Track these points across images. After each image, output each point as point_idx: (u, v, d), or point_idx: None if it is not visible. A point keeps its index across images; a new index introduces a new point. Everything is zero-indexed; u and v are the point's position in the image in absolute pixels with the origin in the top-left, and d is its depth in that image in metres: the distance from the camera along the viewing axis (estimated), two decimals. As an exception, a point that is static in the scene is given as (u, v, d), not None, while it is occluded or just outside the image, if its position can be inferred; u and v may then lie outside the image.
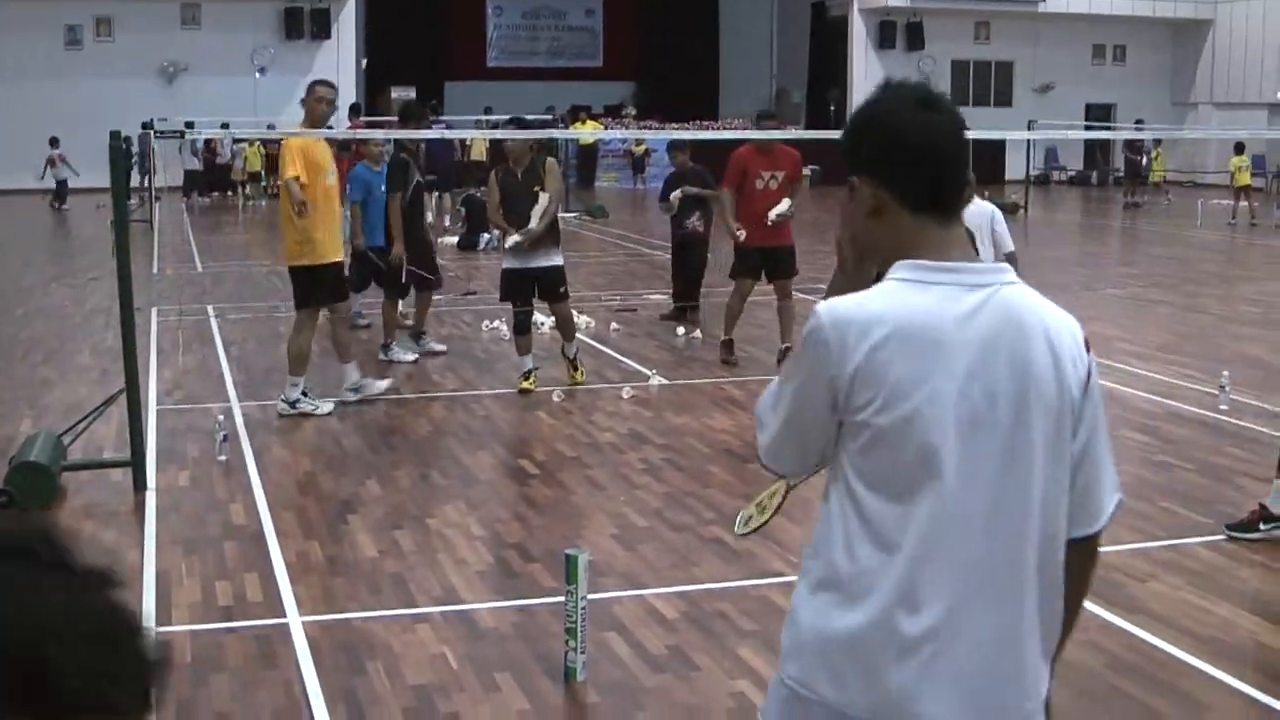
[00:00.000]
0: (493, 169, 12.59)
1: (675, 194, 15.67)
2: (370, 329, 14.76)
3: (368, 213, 13.78)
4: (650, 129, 38.31)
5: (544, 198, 11.85)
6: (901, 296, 2.73)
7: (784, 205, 13.08)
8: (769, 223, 13.03)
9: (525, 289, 12.12)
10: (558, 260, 12.18)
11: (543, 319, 13.94)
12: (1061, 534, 2.80)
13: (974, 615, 2.69)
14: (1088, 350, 2.81)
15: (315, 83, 11.55)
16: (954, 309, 2.70)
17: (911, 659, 2.68)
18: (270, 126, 34.33)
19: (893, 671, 2.69)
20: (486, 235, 23.38)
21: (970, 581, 2.69)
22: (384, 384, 12.02)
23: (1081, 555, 2.88)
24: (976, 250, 10.36)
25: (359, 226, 13.81)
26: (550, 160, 12.31)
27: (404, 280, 13.49)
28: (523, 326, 12.24)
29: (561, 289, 12.23)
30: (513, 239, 11.81)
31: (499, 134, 12.44)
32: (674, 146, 16.49)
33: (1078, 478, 2.81)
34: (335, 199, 11.54)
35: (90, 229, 28.67)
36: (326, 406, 11.41)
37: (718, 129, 37.13)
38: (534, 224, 11.75)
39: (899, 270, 2.77)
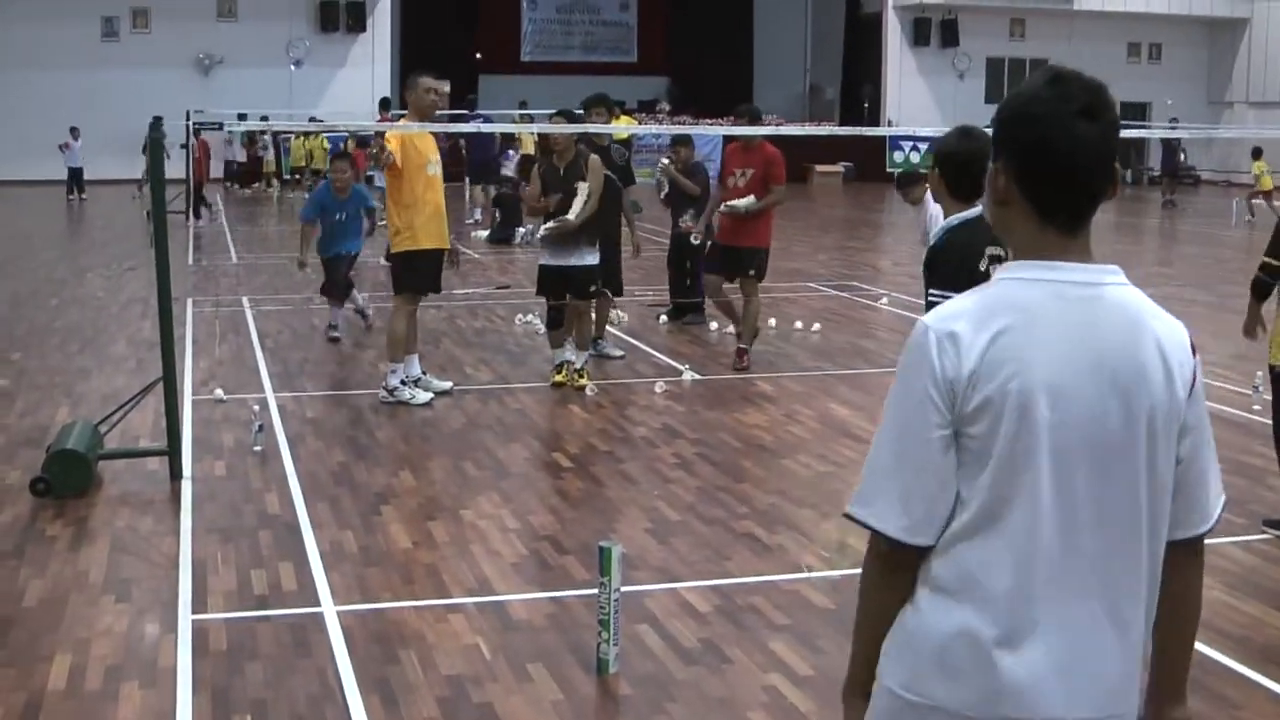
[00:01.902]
0: (534, 163, 12.53)
1: (661, 165, 15.51)
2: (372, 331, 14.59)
3: (326, 229, 13.82)
4: (684, 124, 38.28)
5: (583, 188, 11.82)
6: (1011, 294, 2.72)
7: (739, 201, 13.06)
8: (719, 212, 13.17)
9: (559, 286, 12.15)
10: (591, 260, 12.15)
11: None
12: (1164, 535, 2.79)
13: (1082, 613, 2.68)
14: (1194, 354, 2.80)
15: (422, 74, 11.62)
16: (1064, 307, 2.69)
17: (1020, 655, 2.66)
18: (312, 119, 34.47)
19: (1001, 669, 2.66)
20: (521, 229, 23.45)
21: (1077, 578, 2.67)
22: (448, 384, 12.02)
23: (1190, 556, 2.88)
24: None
25: (306, 244, 14.09)
26: (594, 157, 12.20)
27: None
28: (555, 321, 12.26)
29: (591, 289, 12.22)
30: (545, 227, 11.80)
31: (547, 128, 12.37)
32: (675, 143, 15.99)
33: (1186, 478, 2.81)
34: (438, 189, 11.53)
35: (119, 218, 28.85)
36: (424, 396, 11.50)
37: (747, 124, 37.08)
38: (572, 215, 11.76)
39: (1009, 270, 2.77)
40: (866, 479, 2.79)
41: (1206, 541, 2.92)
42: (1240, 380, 11.92)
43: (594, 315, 12.95)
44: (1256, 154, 31.55)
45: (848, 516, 2.81)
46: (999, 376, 2.64)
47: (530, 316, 14.79)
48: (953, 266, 5.98)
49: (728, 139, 13.65)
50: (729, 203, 13.03)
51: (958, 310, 2.73)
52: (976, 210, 6.14)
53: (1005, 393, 2.64)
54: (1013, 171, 2.75)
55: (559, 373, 12.18)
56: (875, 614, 2.85)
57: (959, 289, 5.90)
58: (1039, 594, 2.66)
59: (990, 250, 6.14)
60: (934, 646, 2.72)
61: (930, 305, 6.05)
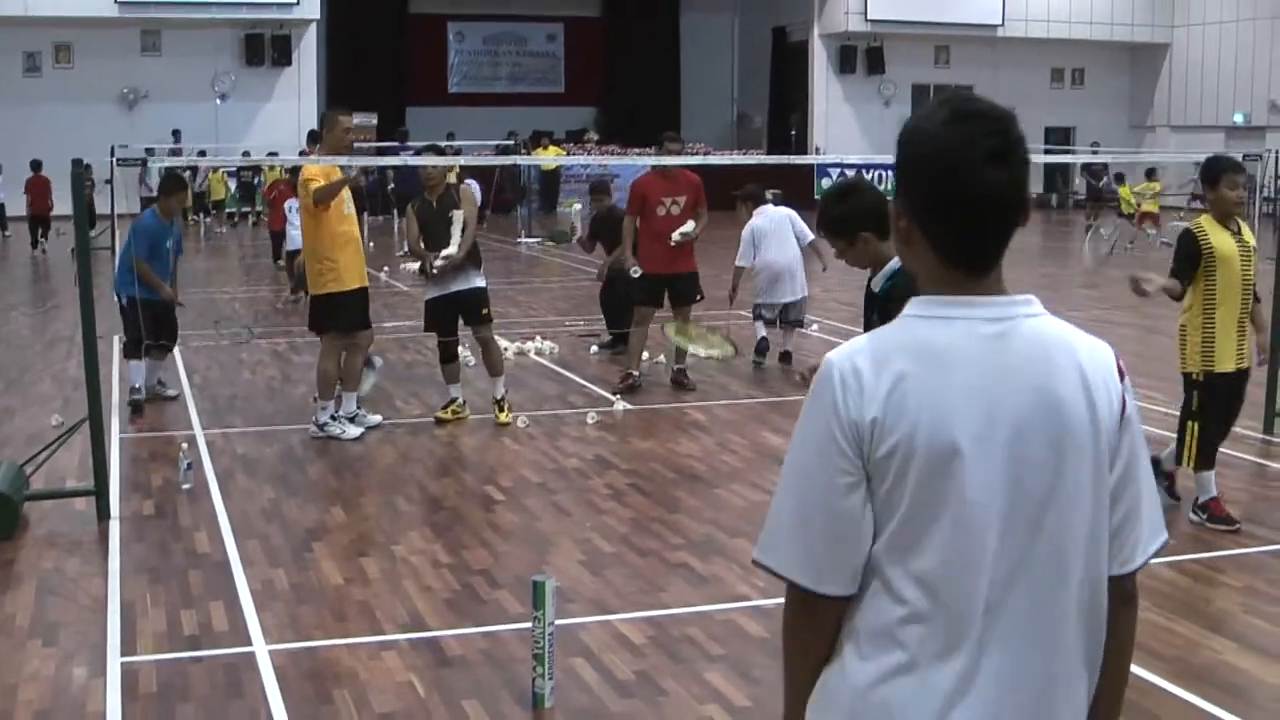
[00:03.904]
0: (409, 201, 12.40)
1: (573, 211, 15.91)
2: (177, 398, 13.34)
3: (159, 260, 12.73)
4: (613, 154, 38.37)
5: (458, 215, 11.70)
6: (916, 333, 2.55)
7: (689, 226, 13.16)
8: (671, 243, 13.09)
9: (448, 316, 12.04)
10: (479, 283, 12.05)
11: (470, 355, 13.74)
12: (1104, 576, 2.61)
13: (1012, 666, 2.51)
14: (1122, 378, 2.62)
15: (338, 113, 11.58)
16: (974, 344, 2.52)
17: (950, 713, 2.50)
18: (246, 154, 34.31)
19: None
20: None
21: (1005, 629, 2.50)
22: (378, 418, 11.95)
23: (1118, 597, 2.67)
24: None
25: (157, 280, 12.52)
26: (464, 186, 12.17)
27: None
28: (448, 355, 12.15)
29: (484, 311, 12.08)
30: (437, 262, 11.66)
31: (420, 160, 12.34)
32: (594, 190, 16.65)
33: (1115, 512, 2.62)
34: (355, 225, 11.54)
35: (42, 256, 28.63)
36: (354, 431, 11.43)
37: (679, 154, 37.19)
38: (453, 248, 11.63)
39: (913, 307, 2.59)
40: (770, 522, 2.63)
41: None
42: (1169, 401, 11.99)
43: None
44: (1150, 174, 32.18)
45: (755, 563, 2.65)
46: (904, 425, 2.47)
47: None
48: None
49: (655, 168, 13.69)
50: (682, 231, 13.05)
51: (860, 348, 2.57)
52: None
53: (912, 444, 2.47)
54: (915, 213, 2.59)
55: (445, 409, 12.11)
56: (798, 663, 2.68)
57: None
58: (961, 652, 2.49)
59: None
60: (852, 708, 2.57)
61: None
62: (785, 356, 14.94)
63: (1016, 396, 2.50)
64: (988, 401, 2.49)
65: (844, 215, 6.01)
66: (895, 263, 6.13)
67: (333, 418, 11.39)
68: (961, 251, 2.57)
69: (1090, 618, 2.60)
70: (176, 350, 15.00)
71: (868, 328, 6.27)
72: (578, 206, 16.54)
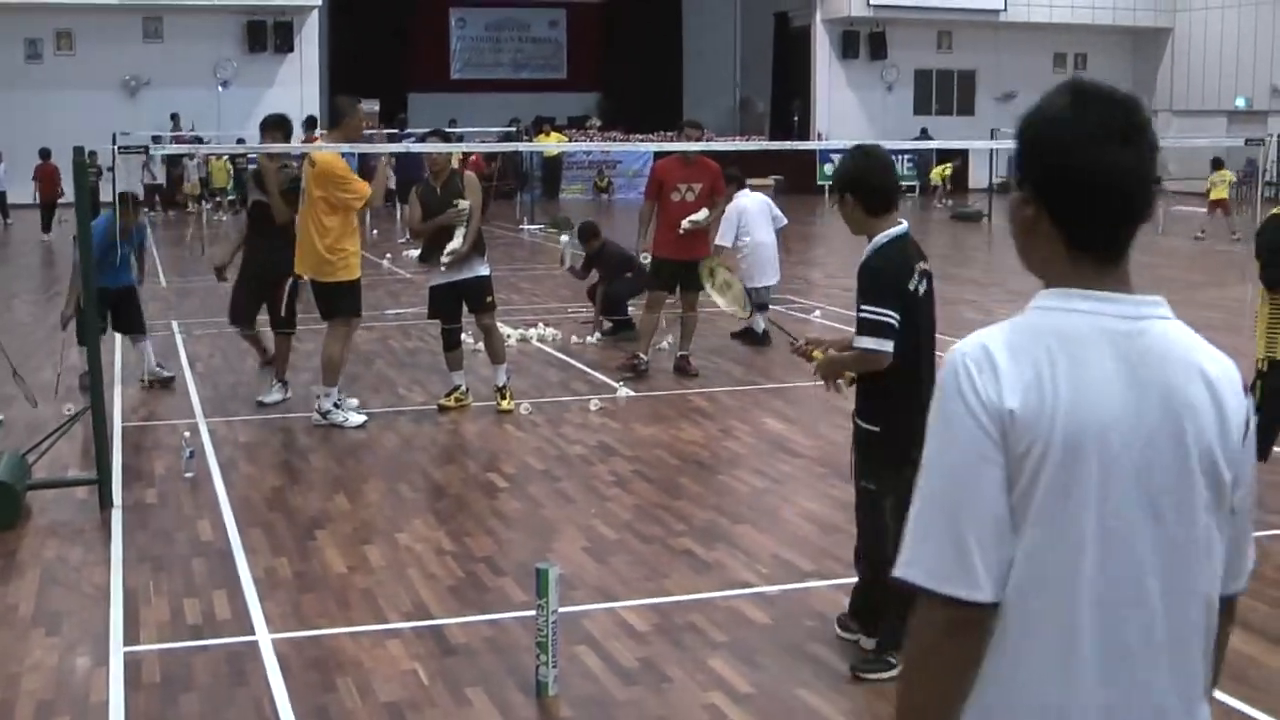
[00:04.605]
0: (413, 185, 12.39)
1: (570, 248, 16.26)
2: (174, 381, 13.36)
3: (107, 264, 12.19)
4: (614, 140, 38.40)
5: (464, 204, 11.68)
6: (1050, 324, 2.44)
7: (699, 215, 13.20)
8: (680, 230, 13.11)
9: (452, 303, 12.04)
10: (483, 271, 12.05)
11: (474, 341, 13.72)
12: (1217, 590, 2.50)
13: (1144, 684, 2.41)
14: (1246, 394, 2.51)
15: (355, 101, 11.79)
16: (1109, 341, 2.41)
17: None
18: (240, 141, 34.27)
19: None
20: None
21: (1134, 647, 2.39)
22: (354, 403, 11.93)
23: (1225, 617, 2.58)
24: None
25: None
26: (469, 174, 12.18)
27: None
28: (452, 342, 12.17)
29: (488, 299, 12.08)
30: (443, 258, 11.67)
31: (424, 147, 12.37)
32: (584, 235, 16.66)
33: (1235, 526, 2.53)
34: (354, 213, 11.57)
35: (45, 243, 28.65)
36: (357, 419, 11.43)
37: (681, 140, 37.15)
38: (458, 241, 11.63)
39: (1043, 299, 2.48)
40: (913, 535, 2.43)
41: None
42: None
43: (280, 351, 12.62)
44: (1217, 164, 30.74)
45: (896, 580, 2.43)
46: (1042, 421, 2.35)
47: (465, 337, 14.75)
48: (885, 285, 6.06)
49: (658, 154, 13.80)
50: (692, 218, 13.10)
51: (992, 337, 2.44)
52: (903, 227, 6.21)
53: (1050, 440, 2.35)
54: (1042, 201, 2.48)
55: (448, 397, 12.12)
56: (939, 695, 2.43)
57: (891, 306, 6.05)
58: (1088, 670, 2.38)
59: (919, 266, 6.20)
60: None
61: (862, 323, 6.09)
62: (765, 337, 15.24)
63: (1150, 398, 2.41)
64: (1121, 401, 2.39)
65: (840, 172, 6.41)
66: (880, 239, 6.17)
67: (335, 405, 11.39)
68: (1086, 236, 2.48)
69: (1204, 640, 2.49)
70: (178, 338, 15.02)
71: (858, 308, 6.26)
72: (565, 238, 16.75)
